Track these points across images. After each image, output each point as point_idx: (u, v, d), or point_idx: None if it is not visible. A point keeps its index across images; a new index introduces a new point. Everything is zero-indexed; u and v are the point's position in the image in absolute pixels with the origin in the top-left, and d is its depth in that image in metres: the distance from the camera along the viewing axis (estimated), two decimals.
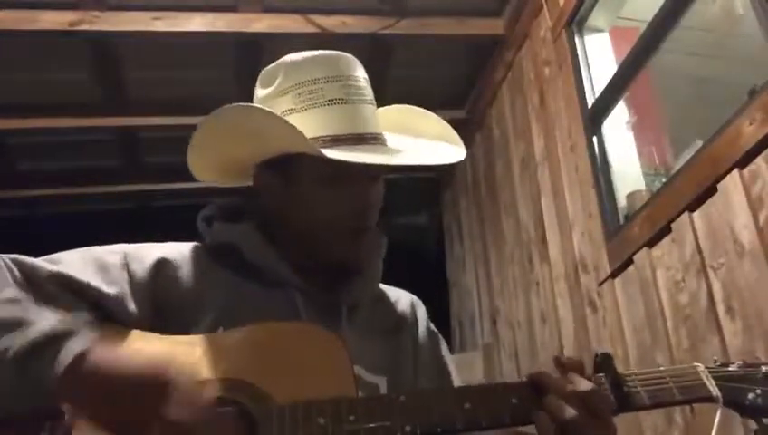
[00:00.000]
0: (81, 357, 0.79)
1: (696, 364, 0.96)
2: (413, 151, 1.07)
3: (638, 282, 2.18)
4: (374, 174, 1.04)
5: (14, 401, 0.79)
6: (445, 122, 1.14)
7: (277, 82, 1.04)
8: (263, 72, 1.09)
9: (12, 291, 0.86)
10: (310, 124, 0.98)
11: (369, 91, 1.06)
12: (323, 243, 1.03)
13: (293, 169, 1.02)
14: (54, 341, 0.79)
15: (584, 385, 0.85)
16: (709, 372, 0.95)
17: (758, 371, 0.95)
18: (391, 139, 1.07)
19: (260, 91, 1.07)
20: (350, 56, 1.07)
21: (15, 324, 0.80)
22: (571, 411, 0.83)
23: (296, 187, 1.02)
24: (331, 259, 1.04)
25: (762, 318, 1.63)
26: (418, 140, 1.11)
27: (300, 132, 0.94)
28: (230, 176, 1.12)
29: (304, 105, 1.00)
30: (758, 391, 0.93)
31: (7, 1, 2.83)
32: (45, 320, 0.81)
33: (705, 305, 1.84)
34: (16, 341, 0.78)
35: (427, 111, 1.15)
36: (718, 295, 1.80)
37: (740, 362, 0.98)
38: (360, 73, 1.06)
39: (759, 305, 1.65)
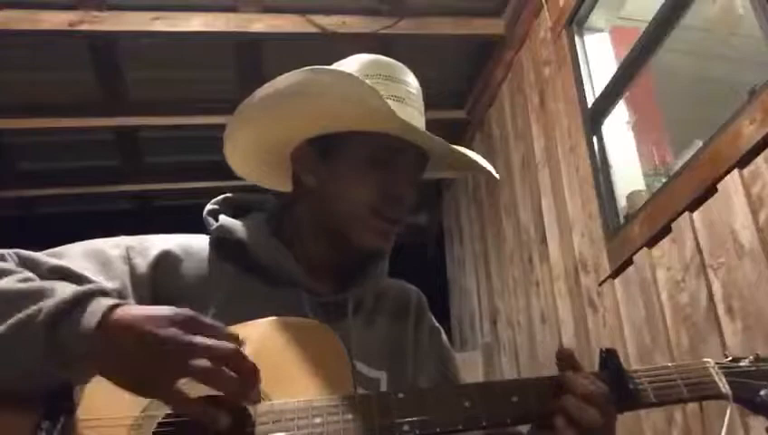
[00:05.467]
0: (111, 309, 0.76)
1: (705, 360, 0.93)
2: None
3: (638, 282, 2.18)
4: (418, 165, 1.04)
5: (36, 372, 0.77)
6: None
7: (342, 68, 1.03)
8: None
9: (25, 273, 0.86)
10: None
11: (422, 105, 1.08)
12: (352, 227, 1.01)
13: (338, 146, 1.01)
14: (81, 301, 0.77)
15: (601, 387, 0.85)
16: (719, 368, 0.92)
17: None
18: None
19: None
20: (408, 70, 1.09)
21: (39, 293, 0.79)
22: (591, 413, 0.82)
23: (337, 164, 1.02)
24: (355, 244, 1.02)
25: (762, 318, 1.63)
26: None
27: (387, 104, 0.94)
28: (267, 162, 1.09)
29: None
30: None
31: (7, 1, 2.83)
32: (67, 286, 0.80)
33: (705, 305, 1.84)
34: (43, 305, 0.77)
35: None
36: (718, 295, 1.80)
37: (752, 357, 0.94)
38: (416, 85, 1.08)
39: (759, 305, 1.65)
